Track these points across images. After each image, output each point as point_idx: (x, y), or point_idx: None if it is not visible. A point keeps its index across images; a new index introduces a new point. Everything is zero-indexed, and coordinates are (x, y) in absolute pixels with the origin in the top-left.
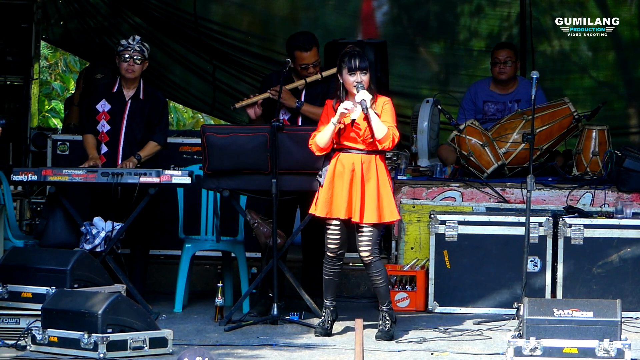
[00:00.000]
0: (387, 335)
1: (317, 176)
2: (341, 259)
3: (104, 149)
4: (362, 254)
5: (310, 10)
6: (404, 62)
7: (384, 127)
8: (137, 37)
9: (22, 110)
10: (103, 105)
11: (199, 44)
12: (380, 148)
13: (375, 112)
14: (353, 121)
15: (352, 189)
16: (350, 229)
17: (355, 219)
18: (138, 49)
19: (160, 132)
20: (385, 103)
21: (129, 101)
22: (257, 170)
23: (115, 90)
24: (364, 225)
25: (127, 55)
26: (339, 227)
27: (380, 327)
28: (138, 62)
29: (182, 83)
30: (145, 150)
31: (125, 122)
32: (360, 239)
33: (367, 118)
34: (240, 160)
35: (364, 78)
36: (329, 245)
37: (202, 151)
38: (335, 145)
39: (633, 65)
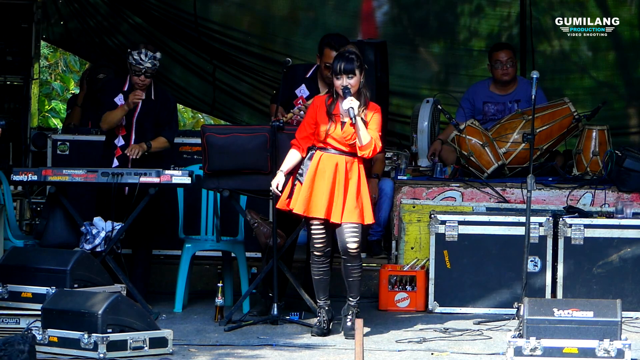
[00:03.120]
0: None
1: (298, 174)
2: (329, 257)
3: (121, 141)
4: (350, 246)
5: (310, 10)
6: (404, 62)
7: (368, 136)
8: (150, 53)
9: (22, 110)
10: (120, 100)
11: (199, 44)
12: (359, 155)
13: (363, 119)
14: (344, 124)
15: (334, 189)
16: (331, 229)
17: (335, 219)
18: (150, 65)
19: (169, 131)
20: (374, 112)
21: (140, 101)
22: (257, 170)
23: (126, 89)
24: (348, 221)
25: (137, 71)
26: (322, 226)
27: (342, 325)
28: (149, 76)
29: (182, 83)
30: (156, 141)
31: (135, 121)
32: (347, 232)
33: (354, 124)
34: (240, 160)
35: (350, 81)
36: (316, 245)
37: (202, 151)
38: (319, 144)
39: (633, 65)
